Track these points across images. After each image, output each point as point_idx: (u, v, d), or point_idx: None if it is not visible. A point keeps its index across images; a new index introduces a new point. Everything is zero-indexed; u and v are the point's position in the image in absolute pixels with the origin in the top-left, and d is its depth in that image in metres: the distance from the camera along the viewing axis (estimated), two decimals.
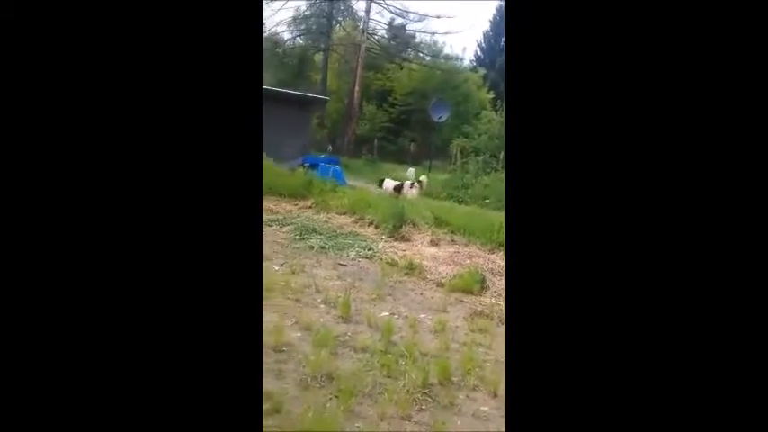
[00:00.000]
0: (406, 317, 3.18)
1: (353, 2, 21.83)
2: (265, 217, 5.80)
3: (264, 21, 21.52)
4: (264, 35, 21.80)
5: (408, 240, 5.32)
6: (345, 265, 4.31)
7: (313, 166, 9.40)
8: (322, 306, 3.21)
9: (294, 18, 21.26)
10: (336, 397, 2.02)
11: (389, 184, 8.53)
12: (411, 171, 11.55)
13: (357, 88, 18.83)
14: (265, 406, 1.90)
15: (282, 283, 3.49)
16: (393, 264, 4.45)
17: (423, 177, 9.39)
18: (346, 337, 2.72)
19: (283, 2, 25.31)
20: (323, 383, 2.15)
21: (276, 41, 21.83)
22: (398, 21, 21.50)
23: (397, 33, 22.28)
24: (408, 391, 2.13)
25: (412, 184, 8.68)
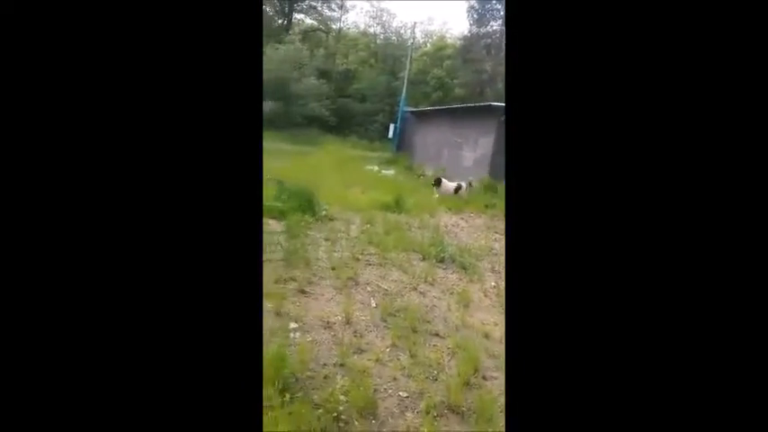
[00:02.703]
0: None
1: None
2: None
3: None
4: None
5: None
6: None
7: None
8: None
9: None
10: None
11: (448, 186, 7.92)
12: None
13: None
14: None
15: None
16: None
17: (471, 178, 8.48)
18: None
19: None
20: None
21: None
22: None
23: None
24: None
25: (469, 184, 8.13)
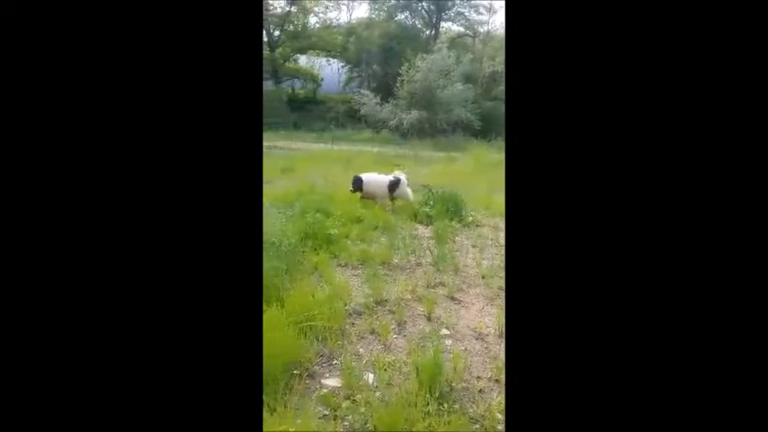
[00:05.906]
0: None
1: None
2: None
3: None
4: None
5: None
6: None
7: None
8: None
9: None
10: None
11: (378, 182, 4.99)
12: None
13: None
14: None
15: None
16: None
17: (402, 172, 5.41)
18: None
19: None
20: None
21: None
22: None
23: None
24: None
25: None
